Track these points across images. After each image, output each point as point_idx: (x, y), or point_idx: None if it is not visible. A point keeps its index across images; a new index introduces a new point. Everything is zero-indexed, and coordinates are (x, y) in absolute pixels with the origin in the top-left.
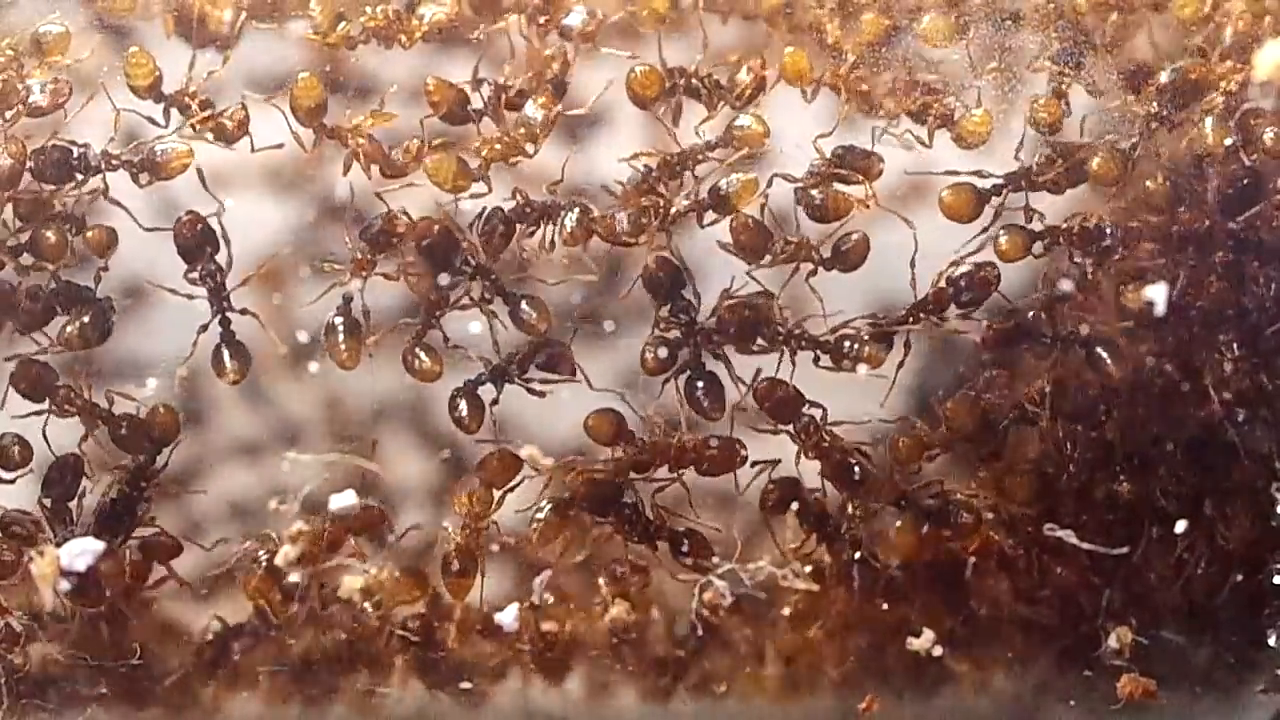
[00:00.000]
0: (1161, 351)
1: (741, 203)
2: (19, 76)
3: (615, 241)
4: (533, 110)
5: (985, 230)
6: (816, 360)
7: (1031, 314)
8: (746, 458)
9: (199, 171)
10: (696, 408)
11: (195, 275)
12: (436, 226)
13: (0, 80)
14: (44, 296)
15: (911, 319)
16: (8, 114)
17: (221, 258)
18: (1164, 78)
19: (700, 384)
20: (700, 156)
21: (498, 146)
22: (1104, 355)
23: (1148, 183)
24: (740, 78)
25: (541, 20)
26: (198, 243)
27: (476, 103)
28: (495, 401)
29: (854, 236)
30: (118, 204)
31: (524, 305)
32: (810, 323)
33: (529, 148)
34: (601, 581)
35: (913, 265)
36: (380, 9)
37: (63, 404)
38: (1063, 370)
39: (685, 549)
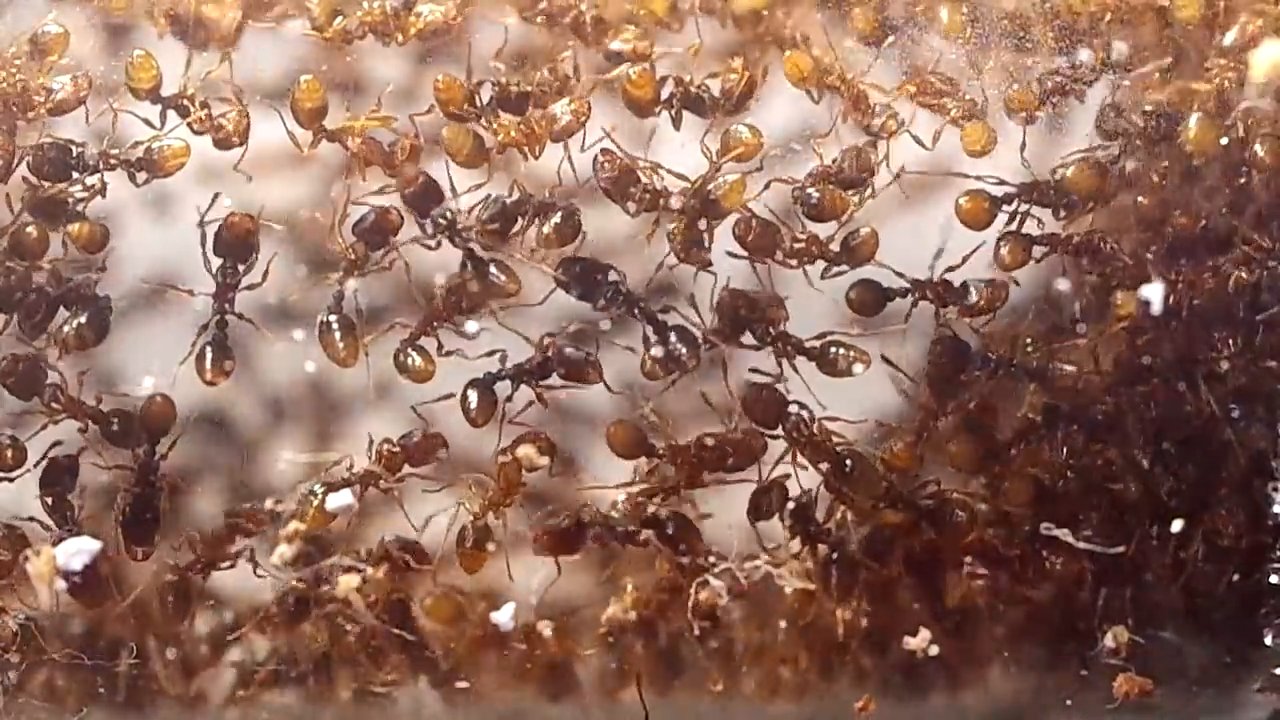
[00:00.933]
0: (1158, 353)
1: (730, 204)
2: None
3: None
4: (562, 110)
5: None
6: (795, 368)
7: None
8: (766, 445)
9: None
10: (675, 361)
11: (214, 270)
12: (423, 176)
13: (20, 81)
14: (44, 297)
15: (915, 296)
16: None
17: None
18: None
19: (671, 335)
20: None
21: (513, 134)
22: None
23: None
24: (729, 82)
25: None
26: (238, 245)
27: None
28: (510, 398)
29: (863, 231)
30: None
31: (493, 269)
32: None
33: (537, 148)
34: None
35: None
36: (378, 4)
37: (50, 402)
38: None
39: (681, 545)
